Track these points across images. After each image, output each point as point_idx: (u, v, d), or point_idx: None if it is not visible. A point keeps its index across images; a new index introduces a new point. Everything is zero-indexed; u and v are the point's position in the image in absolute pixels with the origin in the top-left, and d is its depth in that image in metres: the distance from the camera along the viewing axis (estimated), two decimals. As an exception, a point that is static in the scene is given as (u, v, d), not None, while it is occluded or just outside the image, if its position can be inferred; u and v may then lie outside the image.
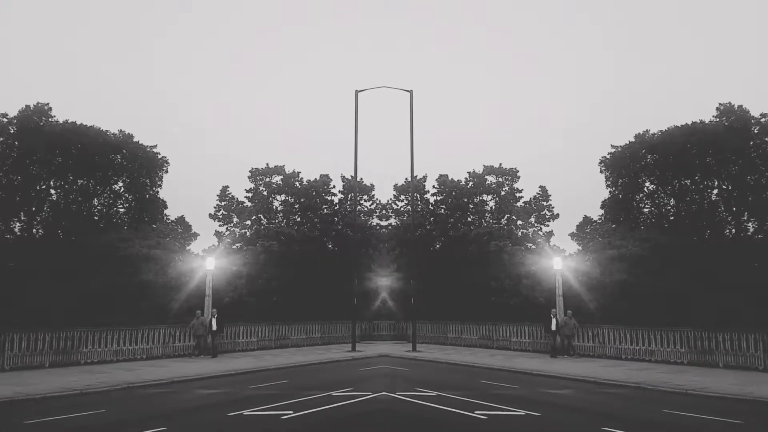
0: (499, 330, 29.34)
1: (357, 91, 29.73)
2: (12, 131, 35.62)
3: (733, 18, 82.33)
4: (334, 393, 15.00)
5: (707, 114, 39.55)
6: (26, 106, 36.26)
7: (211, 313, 25.52)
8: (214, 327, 25.42)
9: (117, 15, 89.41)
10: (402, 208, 40.44)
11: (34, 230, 36.20)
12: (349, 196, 39.82)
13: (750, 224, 35.25)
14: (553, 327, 25.19)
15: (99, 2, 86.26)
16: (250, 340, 28.31)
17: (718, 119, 36.06)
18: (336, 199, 41.14)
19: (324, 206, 40.66)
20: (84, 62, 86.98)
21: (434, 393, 15.02)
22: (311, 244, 37.86)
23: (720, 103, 36.28)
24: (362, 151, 30.11)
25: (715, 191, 36.48)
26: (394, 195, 41.10)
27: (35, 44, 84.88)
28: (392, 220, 40.59)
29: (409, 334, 31.26)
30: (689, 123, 36.84)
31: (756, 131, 35.14)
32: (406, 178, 40.34)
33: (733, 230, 35.55)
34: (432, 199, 41.09)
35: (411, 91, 29.91)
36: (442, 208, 40.48)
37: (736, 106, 35.86)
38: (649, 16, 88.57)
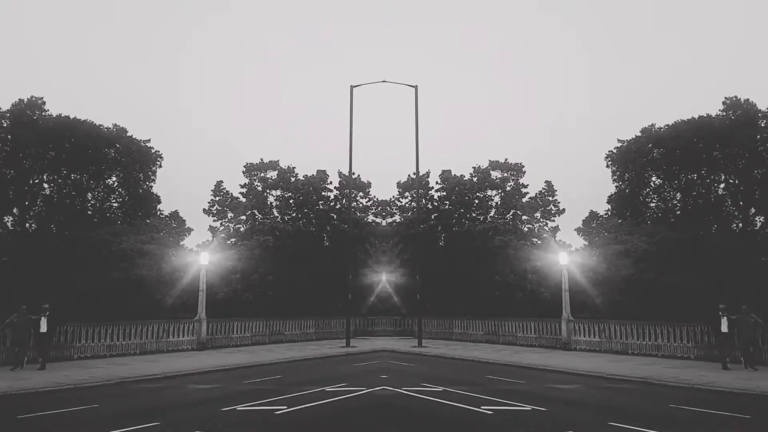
0: (504, 325, 28.97)
1: (352, 87, 29.26)
2: (5, 125, 35.21)
3: (741, 11, 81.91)
4: (327, 388, 14.58)
5: (714, 108, 39.02)
6: (20, 99, 35.86)
7: (42, 309, 19.17)
8: (43, 328, 18.99)
9: (113, 10, 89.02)
10: (406, 205, 39.98)
11: (27, 224, 35.71)
12: (345, 191, 39.32)
13: (757, 219, 34.77)
14: (724, 328, 18.91)
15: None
16: (244, 335, 27.93)
17: (724, 113, 35.58)
18: (332, 195, 40.64)
19: (320, 202, 40.15)
20: (78, 56, 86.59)
21: (440, 388, 14.66)
22: (307, 239, 37.31)
23: (726, 97, 35.79)
24: (364, 148, 29.67)
25: (722, 185, 36.06)
26: (398, 192, 40.74)
27: (29, 38, 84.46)
28: (396, 217, 40.12)
29: (413, 329, 30.84)
30: (696, 117, 36.38)
31: (763, 125, 34.69)
32: (409, 175, 39.97)
33: (740, 225, 35.11)
34: (436, 195, 40.60)
35: (416, 86, 29.30)
36: (446, 203, 39.97)
37: (742, 99, 35.41)
38: (656, 10, 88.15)
